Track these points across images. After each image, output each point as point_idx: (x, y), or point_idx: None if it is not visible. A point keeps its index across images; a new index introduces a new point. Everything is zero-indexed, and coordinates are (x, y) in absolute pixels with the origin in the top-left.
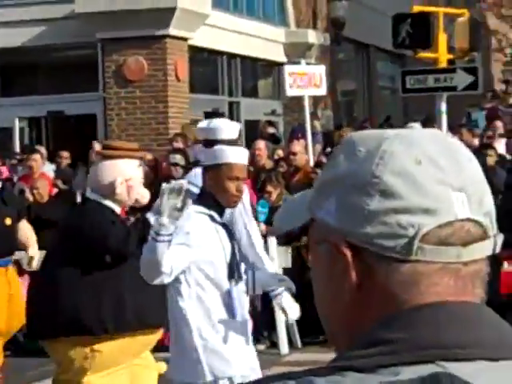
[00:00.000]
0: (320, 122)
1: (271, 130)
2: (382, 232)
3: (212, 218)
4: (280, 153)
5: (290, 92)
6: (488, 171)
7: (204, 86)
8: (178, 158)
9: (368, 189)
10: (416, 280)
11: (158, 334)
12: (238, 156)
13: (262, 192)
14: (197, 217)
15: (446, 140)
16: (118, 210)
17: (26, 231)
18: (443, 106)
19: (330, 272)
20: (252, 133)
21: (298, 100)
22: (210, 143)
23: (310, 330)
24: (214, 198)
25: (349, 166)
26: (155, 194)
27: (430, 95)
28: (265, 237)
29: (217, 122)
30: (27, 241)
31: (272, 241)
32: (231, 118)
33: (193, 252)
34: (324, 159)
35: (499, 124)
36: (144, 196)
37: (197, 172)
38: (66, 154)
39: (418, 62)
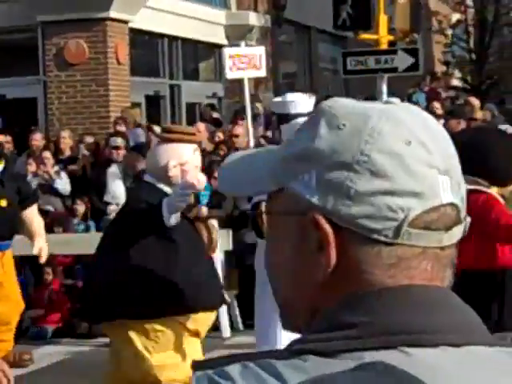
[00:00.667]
0: (262, 104)
1: (212, 112)
2: (369, 213)
3: None
4: (220, 135)
5: (230, 75)
6: None
7: (145, 68)
8: (119, 141)
9: (355, 167)
10: (394, 263)
11: (214, 314)
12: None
13: (209, 176)
14: None
15: (425, 118)
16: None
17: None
18: (384, 88)
19: (298, 247)
20: (193, 116)
21: (239, 82)
22: (284, 117)
23: (251, 312)
24: None
25: (332, 140)
26: (96, 176)
27: (372, 76)
28: (206, 219)
29: (292, 96)
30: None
31: (213, 223)
32: (172, 100)
33: None
34: (263, 142)
35: (437, 105)
36: (201, 181)
37: None
38: (8, 138)
39: (359, 44)
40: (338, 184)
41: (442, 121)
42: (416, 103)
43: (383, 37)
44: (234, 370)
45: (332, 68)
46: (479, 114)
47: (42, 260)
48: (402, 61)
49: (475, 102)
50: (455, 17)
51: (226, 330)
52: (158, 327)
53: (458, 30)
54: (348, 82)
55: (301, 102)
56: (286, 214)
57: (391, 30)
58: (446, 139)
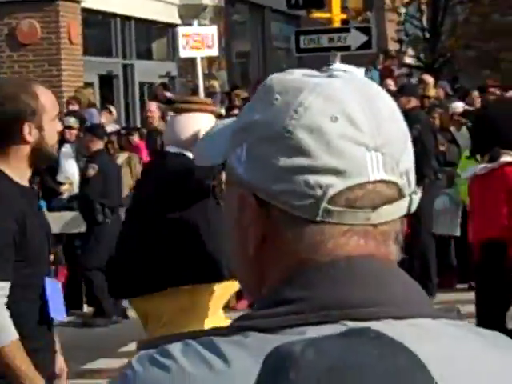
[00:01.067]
0: (218, 81)
1: (165, 92)
2: (290, 190)
3: None
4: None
5: (184, 53)
6: None
7: (97, 48)
8: (72, 121)
9: (279, 143)
10: (322, 240)
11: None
12: None
13: None
14: None
15: (370, 92)
16: None
17: None
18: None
19: (237, 220)
20: (146, 95)
21: (193, 61)
22: None
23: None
24: None
25: (264, 114)
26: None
27: (325, 55)
28: None
29: (342, 66)
30: None
31: None
32: (125, 80)
33: None
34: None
35: (390, 82)
36: None
37: None
38: None
39: (313, 23)
40: (264, 159)
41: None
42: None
43: (336, 15)
44: (175, 348)
45: (286, 47)
46: (432, 92)
47: None
48: (355, 39)
49: (429, 79)
50: None
51: None
52: (195, 298)
53: (411, 8)
54: (302, 61)
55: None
56: (226, 185)
57: (344, 9)
58: (392, 116)
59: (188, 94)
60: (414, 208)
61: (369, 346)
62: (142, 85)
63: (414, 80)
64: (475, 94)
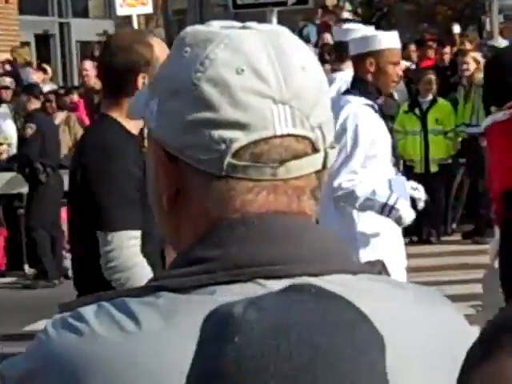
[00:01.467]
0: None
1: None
2: (196, 144)
3: (374, 108)
4: None
5: (120, 11)
6: None
7: (33, 7)
8: (8, 81)
9: (185, 96)
10: (230, 196)
11: None
12: (396, 41)
13: None
14: (367, 112)
15: (283, 44)
16: None
17: None
18: (274, 21)
19: (155, 171)
20: (84, 53)
21: (130, 19)
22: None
23: None
24: (375, 86)
25: (174, 67)
26: None
27: (263, 11)
28: None
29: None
30: None
31: None
32: (62, 39)
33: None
34: None
35: (328, 36)
36: None
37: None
38: None
39: None
40: (171, 112)
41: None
42: (307, 36)
43: None
44: (88, 310)
45: (223, 3)
46: None
47: None
48: None
49: None
50: None
51: None
52: None
53: None
54: (239, 17)
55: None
56: (147, 138)
57: None
58: (304, 69)
59: None
60: (330, 163)
61: (311, 302)
62: (79, 43)
63: None
64: (412, 47)
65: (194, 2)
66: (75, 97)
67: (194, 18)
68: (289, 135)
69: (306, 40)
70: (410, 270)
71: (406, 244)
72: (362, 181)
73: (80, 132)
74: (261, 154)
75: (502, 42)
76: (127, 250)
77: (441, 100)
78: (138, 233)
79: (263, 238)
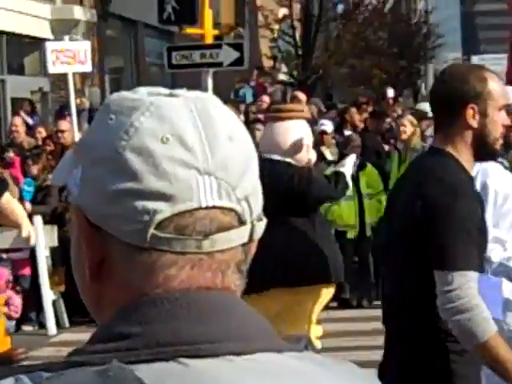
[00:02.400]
0: (88, 98)
1: (29, 107)
2: (119, 214)
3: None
4: (42, 131)
5: (53, 69)
6: (257, 146)
7: None
8: None
9: (109, 165)
10: (153, 269)
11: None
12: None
13: (29, 171)
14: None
15: (211, 113)
16: None
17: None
18: (209, 82)
19: (77, 239)
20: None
21: (65, 77)
22: None
23: (77, 309)
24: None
25: (98, 134)
26: None
27: (199, 71)
28: (30, 216)
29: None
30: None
31: (38, 219)
32: None
33: None
34: None
35: (266, 99)
36: (314, 157)
37: None
38: None
39: (187, 39)
40: (94, 181)
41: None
42: (244, 97)
43: (208, 31)
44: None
45: (159, 63)
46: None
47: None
48: (227, 55)
49: (302, 96)
50: (281, 11)
51: (51, 328)
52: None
53: (284, 25)
54: (175, 77)
55: None
56: (70, 206)
57: (216, 25)
58: (232, 139)
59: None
60: (258, 236)
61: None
62: (14, 100)
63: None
64: (353, 110)
65: (130, 61)
66: (11, 154)
67: (130, 76)
68: (214, 207)
69: (242, 101)
70: (341, 334)
71: (335, 308)
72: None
73: (15, 190)
74: (185, 226)
75: (426, 105)
76: (467, 291)
77: (368, 165)
78: (476, 274)
79: (187, 315)
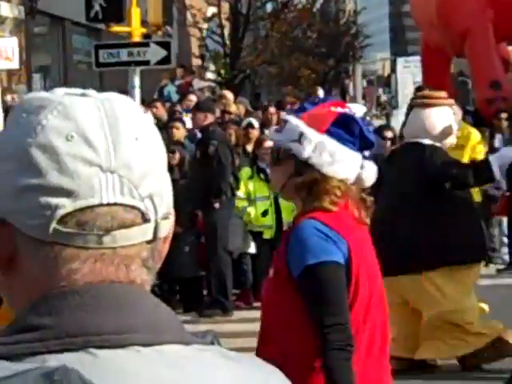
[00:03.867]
0: (17, 96)
1: None
2: (24, 209)
3: None
4: None
5: None
6: (175, 144)
7: None
8: None
9: (16, 162)
10: (57, 263)
11: None
12: None
13: None
14: None
15: (116, 113)
16: None
17: None
18: (136, 81)
19: None
20: None
21: None
22: None
23: None
24: None
25: (9, 133)
26: None
27: (126, 69)
28: None
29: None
30: None
31: None
32: None
33: None
34: None
35: (193, 97)
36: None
37: None
38: None
39: (115, 37)
40: (2, 176)
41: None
42: (168, 96)
43: (136, 29)
44: None
45: (87, 61)
46: (233, 108)
47: None
48: (155, 54)
49: (229, 95)
50: (210, 10)
51: None
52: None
53: (212, 24)
54: (103, 75)
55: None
56: None
57: (144, 23)
58: (138, 138)
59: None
60: (163, 233)
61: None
62: None
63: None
64: (271, 110)
65: (57, 59)
66: None
67: (57, 74)
68: (116, 204)
69: (168, 99)
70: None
71: (260, 307)
72: None
73: None
74: (86, 222)
75: (356, 107)
76: None
77: None
78: None
79: (95, 307)
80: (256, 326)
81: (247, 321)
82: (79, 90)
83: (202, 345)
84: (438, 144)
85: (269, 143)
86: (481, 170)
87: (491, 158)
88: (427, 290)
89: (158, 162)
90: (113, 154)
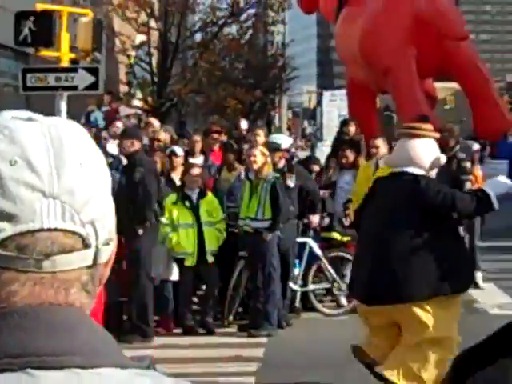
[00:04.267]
0: None
1: None
2: None
3: None
4: None
5: None
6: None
7: None
8: None
9: None
10: None
11: None
12: None
13: None
14: None
15: (62, 140)
16: None
17: None
18: (63, 106)
19: None
20: None
21: None
22: None
23: None
24: None
25: None
26: None
27: (53, 94)
28: None
29: None
30: None
31: None
32: None
33: None
34: None
35: (119, 124)
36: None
37: None
38: None
39: (44, 61)
40: None
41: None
42: (95, 122)
43: (64, 54)
44: None
45: (14, 84)
46: (162, 135)
47: None
48: (83, 79)
49: (156, 122)
50: (139, 38)
51: None
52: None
53: (141, 52)
54: (29, 99)
55: None
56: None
57: (73, 49)
58: (80, 165)
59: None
60: (103, 259)
61: None
62: None
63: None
64: (195, 138)
65: None
66: None
67: None
68: (57, 229)
69: (95, 125)
70: (186, 360)
71: (181, 334)
72: None
73: None
74: (26, 246)
75: (279, 138)
76: None
77: (209, 193)
78: None
79: (34, 328)
80: (176, 352)
81: (167, 347)
82: (26, 114)
83: (138, 369)
84: (423, 173)
85: (196, 171)
86: (482, 202)
87: (487, 188)
88: (417, 315)
89: (101, 188)
90: (56, 179)
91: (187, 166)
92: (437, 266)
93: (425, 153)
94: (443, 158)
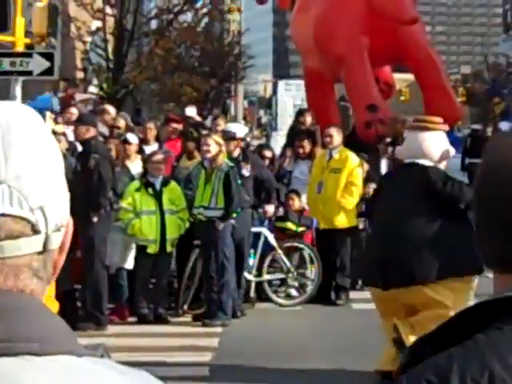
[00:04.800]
0: None
1: None
2: None
3: None
4: None
5: None
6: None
7: None
8: None
9: None
10: None
11: None
12: None
13: None
14: None
15: (10, 123)
16: None
17: None
18: (18, 91)
19: None
20: None
21: None
22: None
23: None
24: None
25: None
26: None
27: (8, 79)
28: None
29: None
30: None
31: None
32: None
33: None
34: None
35: (74, 110)
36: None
37: None
38: None
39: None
40: None
41: (72, 127)
42: (50, 107)
43: (19, 39)
44: None
45: None
46: (121, 123)
47: None
48: (38, 65)
49: (111, 109)
50: (95, 24)
51: None
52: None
53: (96, 38)
54: None
55: None
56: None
57: (28, 34)
58: (28, 150)
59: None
60: (54, 245)
61: None
62: None
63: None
64: (149, 125)
65: None
66: None
67: None
68: (4, 215)
69: (51, 109)
70: (140, 349)
71: (136, 322)
72: None
73: None
74: None
75: (234, 127)
76: None
77: (172, 181)
78: None
79: None
80: (130, 341)
81: (121, 335)
82: None
83: (93, 357)
84: (438, 165)
85: (158, 157)
86: None
87: None
88: (433, 296)
89: (52, 173)
90: (3, 165)
91: (151, 153)
92: (449, 249)
93: (435, 145)
94: (452, 151)
